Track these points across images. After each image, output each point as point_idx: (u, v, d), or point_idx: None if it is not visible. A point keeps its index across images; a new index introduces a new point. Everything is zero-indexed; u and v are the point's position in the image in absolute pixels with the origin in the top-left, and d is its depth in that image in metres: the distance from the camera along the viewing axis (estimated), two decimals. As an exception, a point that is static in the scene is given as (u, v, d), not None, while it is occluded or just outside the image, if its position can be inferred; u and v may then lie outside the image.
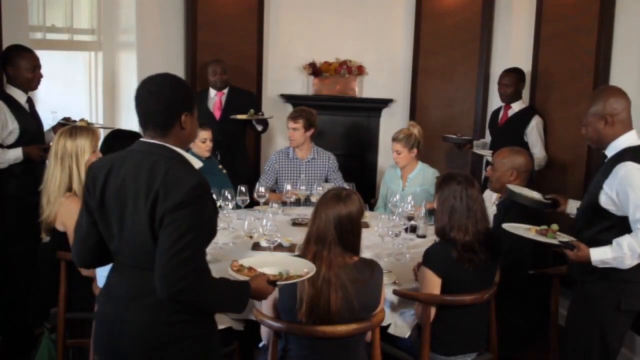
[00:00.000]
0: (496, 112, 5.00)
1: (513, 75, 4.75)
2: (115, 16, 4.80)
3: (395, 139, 4.28)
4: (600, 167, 2.79)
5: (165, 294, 1.90)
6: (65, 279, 3.09)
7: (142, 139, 2.10)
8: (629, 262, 2.57)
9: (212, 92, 5.19)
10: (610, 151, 2.72)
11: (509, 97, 4.77)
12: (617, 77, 4.05)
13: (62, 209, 3.09)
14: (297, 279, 2.20)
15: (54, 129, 3.84)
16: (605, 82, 4.10)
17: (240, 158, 5.16)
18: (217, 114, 5.14)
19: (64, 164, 3.12)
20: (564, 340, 2.97)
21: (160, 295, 1.91)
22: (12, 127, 3.57)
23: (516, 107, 4.76)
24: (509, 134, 4.63)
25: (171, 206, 1.91)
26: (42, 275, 3.29)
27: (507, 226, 2.92)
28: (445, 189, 2.82)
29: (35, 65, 3.69)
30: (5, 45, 3.59)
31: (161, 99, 2.08)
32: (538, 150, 4.57)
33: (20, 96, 3.67)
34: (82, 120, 3.94)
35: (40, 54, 3.77)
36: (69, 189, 3.13)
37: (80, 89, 4.74)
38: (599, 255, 2.60)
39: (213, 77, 5.13)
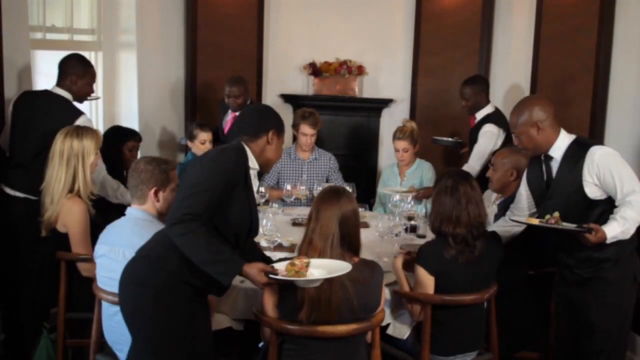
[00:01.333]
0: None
1: (470, 87, 4.55)
2: (115, 16, 4.81)
3: (400, 138, 4.31)
4: (543, 171, 2.95)
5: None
6: (65, 279, 3.09)
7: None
8: (632, 231, 2.77)
9: (229, 113, 4.99)
10: (556, 152, 2.89)
11: (470, 109, 4.60)
12: (617, 77, 4.06)
13: (64, 210, 3.09)
14: (292, 277, 2.24)
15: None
16: (605, 81, 4.11)
17: None
18: (226, 129, 5.02)
19: (69, 164, 3.11)
20: (589, 332, 2.94)
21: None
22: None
23: (479, 115, 4.58)
24: (473, 143, 4.57)
25: None
26: (42, 275, 3.29)
27: (516, 218, 2.98)
28: (437, 185, 2.86)
29: (95, 81, 3.75)
30: (5, 45, 3.58)
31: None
32: (472, 159, 4.43)
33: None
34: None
35: (40, 54, 3.77)
36: (71, 189, 3.12)
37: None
38: (611, 232, 2.73)
39: (227, 99, 4.82)
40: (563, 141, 2.88)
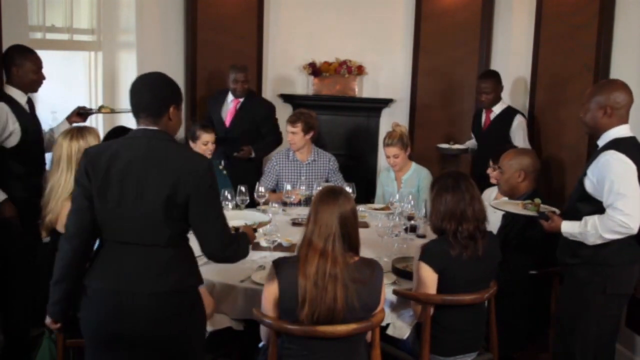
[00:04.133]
0: (477, 116, 4.95)
1: (492, 81, 4.68)
2: (115, 16, 4.80)
3: (390, 144, 4.21)
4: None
5: (222, 255, 2.35)
6: (65, 279, 3.09)
7: (140, 127, 2.33)
8: (592, 240, 2.76)
9: (230, 97, 5.04)
10: (602, 141, 2.85)
11: (490, 103, 4.71)
12: (617, 76, 4.04)
13: (64, 211, 3.08)
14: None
15: (69, 119, 3.87)
16: (605, 81, 4.10)
17: (243, 164, 5.02)
18: (228, 121, 5.01)
19: (74, 166, 3.10)
20: (557, 326, 3.04)
21: (216, 258, 2.36)
22: (13, 127, 3.51)
23: (497, 109, 4.72)
24: (493, 136, 4.63)
25: (197, 186, 2.22)
26: (42, 275, 3.28)
27: (494, 203, 3.07)
28: (435, 185, 2.86)
29: (39, 66, 3.65)
30: (5, 45, 3.58)
31: (155, 91, 2.34)
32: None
33: (20, 97, 3.61)
34: (104, 107, 3.91)
35: (40, 54, 3.76)
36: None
37: (80, 89, 4.74)
38: (568, 228, 2.81)
39: (234, 85, 4.93)
40: (614, 133, 2.81)
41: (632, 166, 2.69)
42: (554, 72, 4.61)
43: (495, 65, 5.47)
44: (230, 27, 5.60)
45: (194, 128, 4.30)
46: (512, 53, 5.26)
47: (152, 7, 5.06)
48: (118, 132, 4.01)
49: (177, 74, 5.51)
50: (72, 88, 4.72)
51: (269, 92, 5.95)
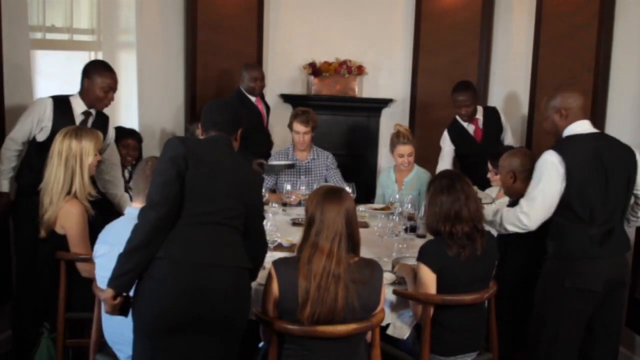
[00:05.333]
0: (459, 130, 4.66)
1: (470, 93, 4.52)
2: (115, 16, 4.80)
3: (405, 143, 4.23)
4: None
5: (262, 260, 2.66)
6: (65, 279, 3.09)
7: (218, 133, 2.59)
8: (497, 228, 3.02)
9: (252, 98, 5.04)
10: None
11: (471, 114, 4.56)
12: (617, 76, 4.05)
13: (62, 212, 3.09)
14: None
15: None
16: (605, 81, 4.11)
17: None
18: (265, 121, 5.16)
19: (67, 165, 3.11)
20: (532, 318, 3.11)
21: (258, 260, 2.61)
22: (47, 124, 3.53)
23: (479, 115, 4.62)
24: (492, 141, 4.54)
25: (257, 194, 2.62)
26: (42, 275, 3.29)
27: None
28: (431, 186, 2.86)
29: (110, 87, 3.69)
30: (5, 45, 3.58)
31: (235, 112, 2.69)
32: (510, 139, 4.65)
33: (78, 106, 3.67)
34: None
35: (40, 54, 3.77)
36: (69, 190, 3.12)
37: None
38: (487, 215, 3.02)
39: (254, 83, 4.95)
40: (571, 130, 2.97)
41: (556, 165, 2.84)
42: (554, 72, 4.61)
43: (495, 66, 5.47)
44: (230, 27, 5.60)
45: (192, 128, 4.31)
46: (512, 53, 5.26)
47: (152, 7, 5.06)
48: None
49: (177, 74, 5.51)
50: (72, 88, 4.71)
51: (269, 92, 5.94)
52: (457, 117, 4.63)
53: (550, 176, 2.86)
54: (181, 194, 2.37)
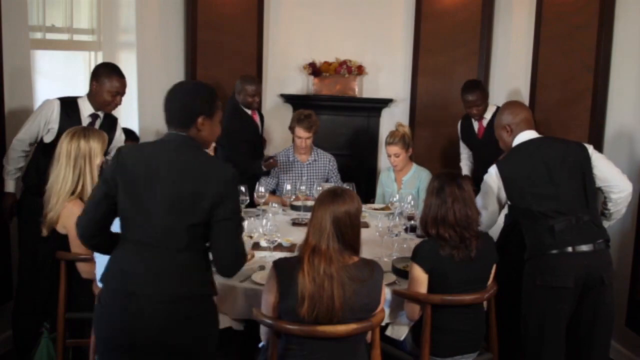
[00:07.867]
0: (467, 125, 4.87)
1: (480, 92, 4.61)
2: (115, 16, 4.80)
3: (391, 143, 4.22)
4: None
5: (236, 269, 2.36)
6: (65, 279, 3.09)
7: (172, 131, 2.35)
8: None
9: (248, 111, 4.90)
10: None
11: (482, 113, 4.66)
12: (617, 76, 4.05)
13: (65, 212, 3.08)
14: None
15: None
16: (605, 81, 4.10)
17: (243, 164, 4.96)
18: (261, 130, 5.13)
19: (76, 165, 3.10)
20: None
21: (229, 272, 2.35)
22: (54, 126, 3.56)
23: (488, 114, 4.68)
24: (493, 142, 4.56)
25: (221, 195, 2.23)
26: (42, 275, 3.29)
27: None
28: (429, 186, 2.88)
29: (118, 92, 3.70)
30: (5, 45, 3.59)
31: (183, 101, 2.35)
32: None
33: (85, 109, 3.68)
34: None
35: (40, 53, 3.77)
36: (74, 190, 3.11)
37: (80, 89, 4.73)
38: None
39: (251, 99, 4.79)
40: (517, 139, 3.12)
41: (493, 176, 3.07)
42: (554, 72, 4.61)
43: (495, 66, 5.47)
44: (230, 27, 5.60)
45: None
46: (512, 53, 5.26)
47: (152, 7, 5.07)
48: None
49: (177, 74, 5.51)
50: (72, 88, 4.71)
51: (269, 92, 5.95)
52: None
53: (490, 187, 3.09)
54: (113, 215, 2.33)
